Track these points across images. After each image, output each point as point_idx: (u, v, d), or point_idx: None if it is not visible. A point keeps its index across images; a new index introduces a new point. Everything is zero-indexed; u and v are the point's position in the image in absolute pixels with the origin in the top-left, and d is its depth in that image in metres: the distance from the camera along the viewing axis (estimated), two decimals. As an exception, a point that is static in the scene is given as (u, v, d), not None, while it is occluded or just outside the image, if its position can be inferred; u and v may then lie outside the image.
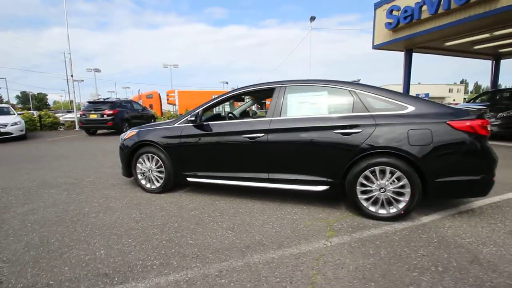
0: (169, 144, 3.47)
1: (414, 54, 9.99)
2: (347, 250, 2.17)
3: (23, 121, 11.05)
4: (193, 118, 3.28)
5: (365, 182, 2.71)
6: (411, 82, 10.12)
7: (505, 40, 8.55)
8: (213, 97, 3.56)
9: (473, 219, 2.71)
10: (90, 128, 12.02)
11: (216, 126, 3.30)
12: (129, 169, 3.79)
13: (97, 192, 3.80)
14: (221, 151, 3.25)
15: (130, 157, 3.74)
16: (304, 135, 2.87)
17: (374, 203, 2.72)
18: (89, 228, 2.65)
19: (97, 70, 31.93)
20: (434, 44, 9.24)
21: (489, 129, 2.51)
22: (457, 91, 67.02)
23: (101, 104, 11.72)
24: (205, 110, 3.44)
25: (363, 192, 2.74)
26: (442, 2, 6.77)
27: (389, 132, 2.59)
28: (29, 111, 20.19)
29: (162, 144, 3.49)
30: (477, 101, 9.23)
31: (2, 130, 9.84)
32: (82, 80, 39.90)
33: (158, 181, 3.62)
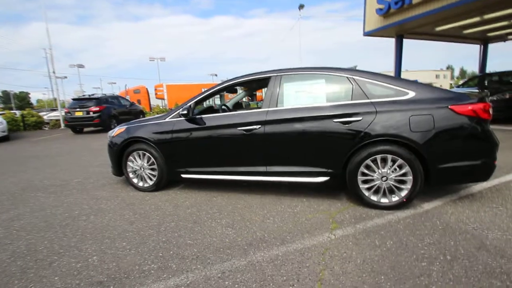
0: (160, 140, 3.31)
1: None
2: (352, 242, 2.10)
3: (5, 122, 10.56)
4: (185, 112, 3.12)
5: (366, 171, 2.64)
6: (400, 69, 10.12)
7: (495, 24, 8.58)
8: (203, 90, 3.39)
9: (475, 204, 2.69)
10: (76, 126, 11.61)
11: (210, 119, 3.15)
12: (119, 168, 3.62)
13: (86, 194, 3.62)
14: (216, 145, 3.12)
15: (120, 155, 3.56)
16: (302, 126, 2.76)
17: (376, 192, 2.67)
18: (79, 232, 2.50)
19: (81, 66, 30.75)
20: (424, 30, 9.20)
21: (491, 112, 2.46)
22: (444, 77, 68.14)
23: (87, 101, 11.30)
24: (197, 103, 3.28)
25: (364, 182, 2.68)
26: (432, -14, 6.70)
27: (390, 119, 2.51)
28: (11, 111, 19.40)
29: (153, 140, 3.32)
30: (465, 86, 9.31)
31: (-18, 131, 9.36)
32: (66, 77, 38.39)
33: (151, 179, 3.47)
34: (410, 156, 2.48)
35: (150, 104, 26.15)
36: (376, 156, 2.57)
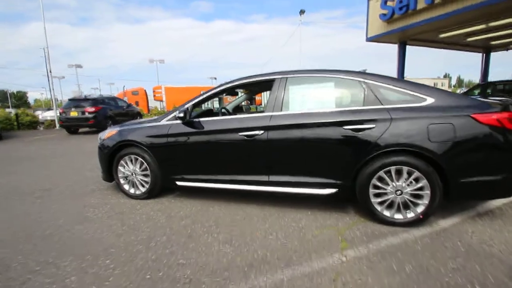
0: (155, 144, 3.06)
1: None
2: (366, 266, 1.86)
3: (-4, 120, 10.26)
4: (181, 115, 2.88)
5: (379, 184, 2.41)
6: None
7: (499, 32, 8.47)
8: (202, 93, 3.17)
9: (496, 223, 2.46)
10: (70, 126, 11.32)
11: (208, 123, 2.92)
12: (109, 173, 3.36)
13: (74, 200, 3.36)
14: (215, 151, 2.88)
15: (110, 159, 3.31)
16: (309, 132, 2.53)
17: (389, 207, 2.44)
18: (60, 245, 2.24)
19: (79, 66, 30.55)
20: (428, 36, 9.08)
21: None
22: (442, 85, 68.53)
23: (83, 101, 11.02)
24: (195, 105, 3.05)
25: (377, 195, 2.45)
26: (439, -9, 6.57)
27: (407, 128, 2.29)
28: (6, 110, 19.06)
29: (147, 144, 3.08)
30: (469, 94, 9.16)
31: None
32: (63, 77, 38.18)
33: (143, 186, 3.21)
34: (428, 169, 2.26)
35: (148, 106, 25.87)
36: (390, 167, 2.34)
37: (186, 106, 2.99)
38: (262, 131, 2.64)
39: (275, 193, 2.75)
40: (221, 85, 3.08)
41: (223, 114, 3.83)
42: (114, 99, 12.91)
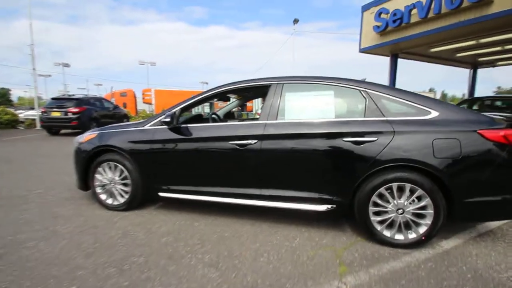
0: (137, 150, 2.80)
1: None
2: (369, 296, 1.66)
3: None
4: (168, 119, 2.64)
5: (379, 202, 2.24)
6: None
7: (487, 49, 8.67)
8: (192, 96, 2.94)
9: (499, 245, 2.32)
10: (52, 127, 10.76)
11: (197, 129, 2.69)
12: (85, 180, 3.06)
13: (44, 209, 3.03)
14: (203, 161, 2.65)
15: (87, 165, 3.01)
16: (306, 143, 2.35)
17: (389, 226, 2.26)
18: (19, 266, 1.94)
19: (66, 65, 29.72)
20: (419, 50, 9.19)
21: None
22: (428, 99, 70.52)
23: (66, 101, 10.52)
24: (183, 109, 2.82)
25: (376, 213, 2.27)
26: (433, 6, 6.63)
27: (411, 142, 2.14)
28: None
29: (128, 151, 2.81)
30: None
31: None
32: (50, 75, 37.07)
33: (122, 196, 2.93)
34: (432, 187, 2.10)
35: (136, 109, 25.27)
36: (392, 184, 2.18)
37: (174, 110, 2.75)
38: (255, 140, 2.43)
39: (267, 208, 2.53)
40: (213, 89, 2.86)
41: (214, 120, 3.61)
42: (100, 99, 12.44)
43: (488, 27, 6.48)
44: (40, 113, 11.30)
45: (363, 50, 9.53)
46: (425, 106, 2.24)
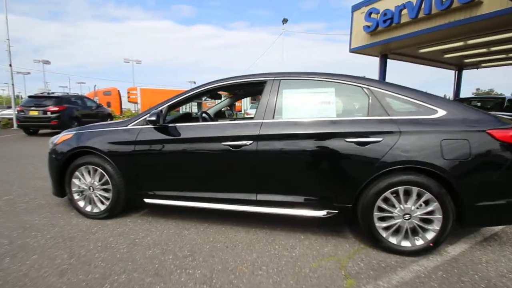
0: (119, 152, 2.54)
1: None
2: (382, 315, 1.50)
3: None
4: (153, 118, 2.39)
5: (384, 206, 2.09)
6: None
7: (473, 50, 8.85)
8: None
9: (507, 249, 2.23)
10: (29, 127, 10.15)
11: (187, 129, 2.46)
12: (61, 186, 2.76)
13: (14, 218, 2.71)
14: (193, 164, 2.42)
15: (63, 169, 2.72)
16: (306, 144, 2.17)
17: (395, 232, 2.12)
18: (-24, 289, 1.65)
19: (46, 62, 28.40)
20: (408, 51, 9.28)
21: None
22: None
23: (45, 99, 9.94)
24: (170, 107, 2.58)
25: (382, 219, 2.12)
26: (423, 7, 6.66)
27: (418, 142, 1.99)
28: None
29: (109, 153, 2.54)
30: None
31: None
32: (29, 73, 35.30)
33: (102, 203, 2.65)
34: (440, 190, 1.97)
35: (121, 108, 24.49)
36: (398, 187, 2.03)
37: (160, 108, 2.51)
38: (250, 141, 2.23)
39: (263, 214, 2.33)
40: (204, 85, 2.63)
41: (204, 119, 3.38)
42: (81, 98, 11.87)
43: (477, 28, 6.56)
44: (17, 112, 10.65)
45: (353, 50, 9.53)
46: (431, 105, 2.11)
